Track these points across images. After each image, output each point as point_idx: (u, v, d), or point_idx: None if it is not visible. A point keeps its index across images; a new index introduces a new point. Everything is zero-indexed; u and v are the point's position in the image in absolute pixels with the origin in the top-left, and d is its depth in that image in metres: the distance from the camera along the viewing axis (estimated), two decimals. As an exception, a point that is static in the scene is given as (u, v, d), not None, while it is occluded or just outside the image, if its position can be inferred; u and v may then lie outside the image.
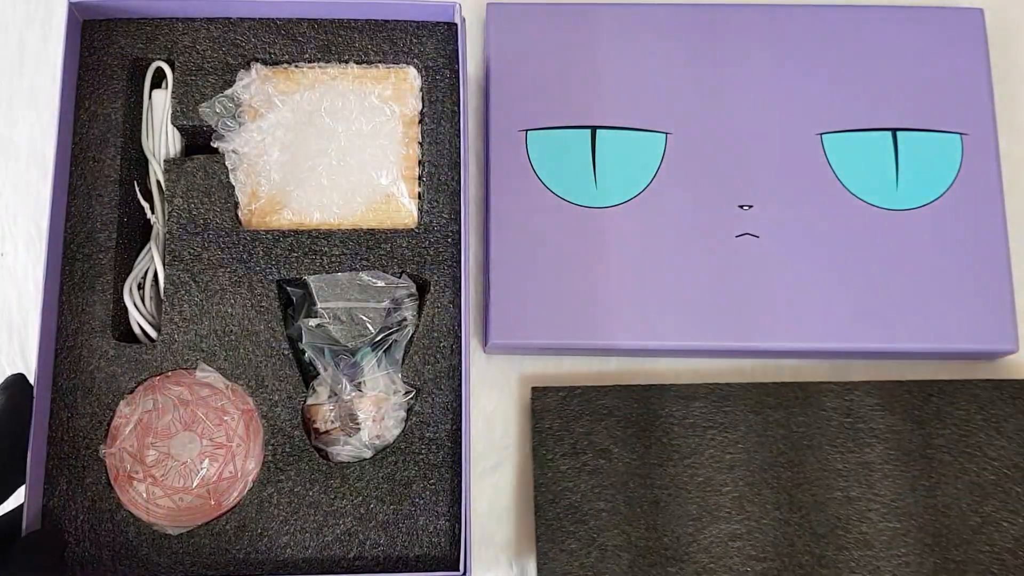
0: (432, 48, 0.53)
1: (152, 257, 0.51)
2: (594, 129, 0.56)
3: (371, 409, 0.49)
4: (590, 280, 0.54)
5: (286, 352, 0.49)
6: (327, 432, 0.49)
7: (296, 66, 0.53)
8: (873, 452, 0.52)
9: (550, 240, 0.54)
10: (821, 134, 0.56)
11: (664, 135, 0.56)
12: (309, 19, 0.53)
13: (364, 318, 0.50)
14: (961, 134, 0.57)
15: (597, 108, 0.56)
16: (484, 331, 0.54)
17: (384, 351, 0.50)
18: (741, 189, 0.56)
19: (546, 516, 0.51)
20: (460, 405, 0.49)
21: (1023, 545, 0.51)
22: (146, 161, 0.52)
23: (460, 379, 0.49)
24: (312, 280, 0.50)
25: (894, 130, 0.57)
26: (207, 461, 0.48)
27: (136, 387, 0.49)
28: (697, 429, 0.53)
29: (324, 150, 0.52)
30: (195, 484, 0.48)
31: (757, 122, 0.57)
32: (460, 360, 0.49)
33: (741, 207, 0.55)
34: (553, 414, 0.53)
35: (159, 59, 0.53)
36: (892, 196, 0.56)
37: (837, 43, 0.58)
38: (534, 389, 0.54)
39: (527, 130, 0.56)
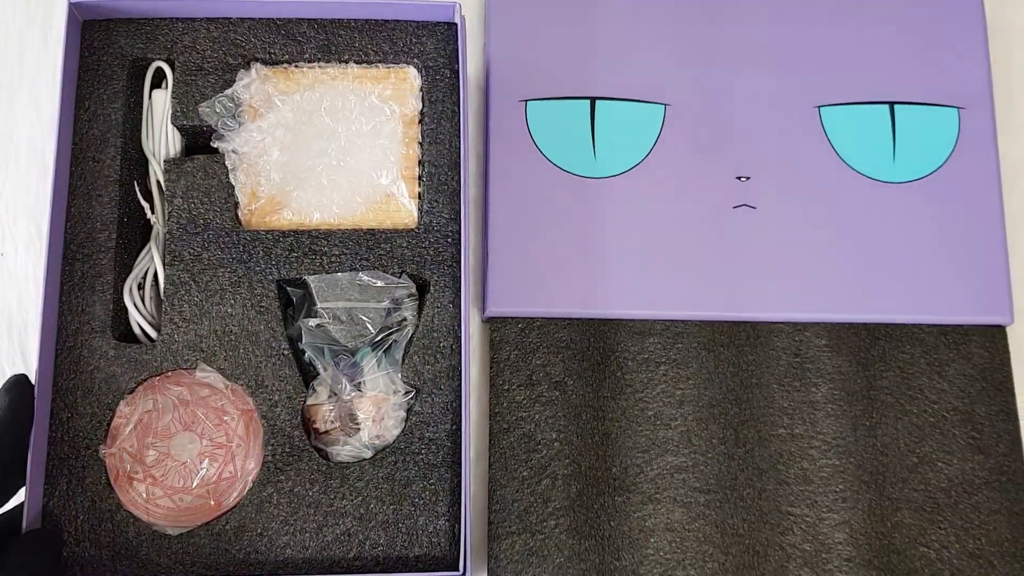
0: (432, 48, 0.53)
1: (152, 257, 0.51)
2: (593, 100, 0.56)
3: (371, 409, 0.49)
4: (588, 250, 0.54)
5: (286, 352, 0.49)
6: (327, 432, 0.49)
7: (296, 66, 0.53)
8: (818, 392, 0.53)
9: (549, 210, 0.55)
10: (819, 107, 0.57)
11: (663, 107, 0.56)
12: (309, 19, 0.53)
13: (364, 318, 0.50)
14: (958, 108, 0.57)
15: (596, 79, 0.57)
16: (482, 300, 0.54)
17: (384, 351, 0.50)
18: (739, 161, 0.56)
19: (500, 444, 0.52)
20: (460, 405, 0.49)
21: (956, 485, 0.52)
22: (146, 161, 0.52)
23: (460, 379, 0.49)
24: (312, 280, 0.50)
25: (891, 103, 0.57)
26: (207, 461, 0.48)
27: (136, 387, 0.49)
28: (650, 364, 0.53)
29: (324, 150, 0.52)
30: (195, 484, 0.48)
31: (755, 95, 0.57)
32: (460, 360, 0.49)
33: (739, 179, 0.56)
34: (511, 345, 0.53)
35: (159, 59, 0.53)
36: (889, 169, 0.56)
37: (835, 16, 0.58)
38: (492, 320, 0.54)
39: (527, 100, 0.56)
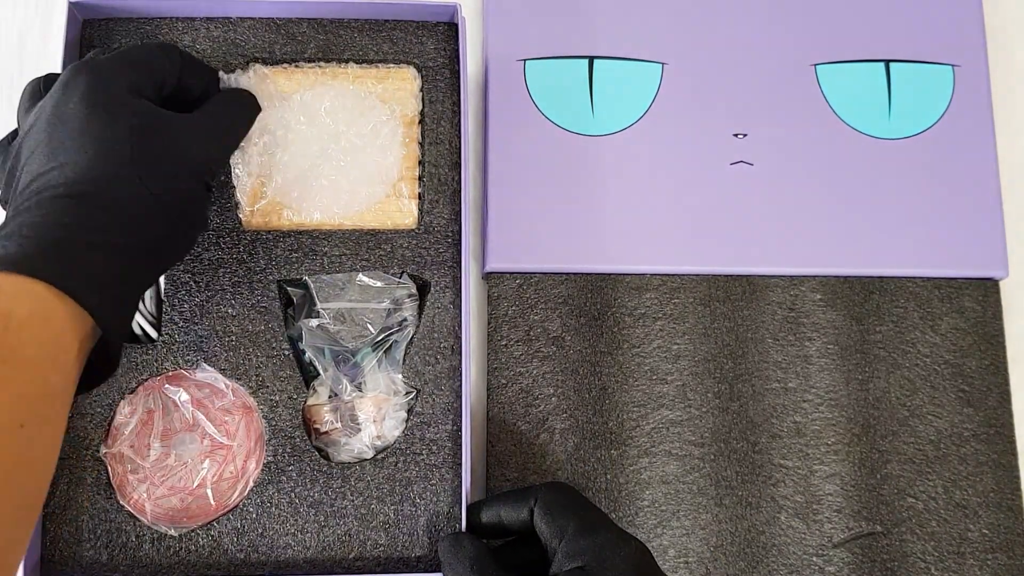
0: (432, 48, 0.53)
1: (152, 257, 0.51)
2: (591, 59, 0.57)
3: (371, 410, 0.49)
4: (586, 207, 0.55)
5: (287, 352, 0.49)
6: (328, 432, 0.49)
7: (296, 66, 0.53)
8: (812, 346, 0.54)
9: (547, 167, 0.55)
10: (815, 65, 0.57)
11: (660, 65, 0.57)
12: (309, 19, 0.53)
13: (364, 319, 0.50)
14: (953, 66, 0.58)
15: (594, 38, 0.57)
16: (482, 256, 0.54)
17: (384, 352, 0.50)
18: (736, 118, 0.57)
19: (498, 400, 0.52)
20: (460, 406, 0.49)
21: (945, 438, 0.53)
22: (146, 161, 0.52)
23: (460, 379, 0.49)
24: (312, 281, 0.50)
25: (887, 61, 0.58)
26: (208, 461, 0.48)
27: (137, 387, 0.49)
28: (647, 320, 0.54)
29: (324, 150, 0.52)
30: (196, 484, 0.48)
31: (752, 53, 0.58)
32: (460, 360, 0.49)
33: (736, 136, 0.56)
34: (509, 301, 0.54)
35: (159, 59, 0.53)
36: (884, 126, 0.57)
37: None
38: (490, 275, 0.54)
39: (525, 60, 0.56)
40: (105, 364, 0.39)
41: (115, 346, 0.38)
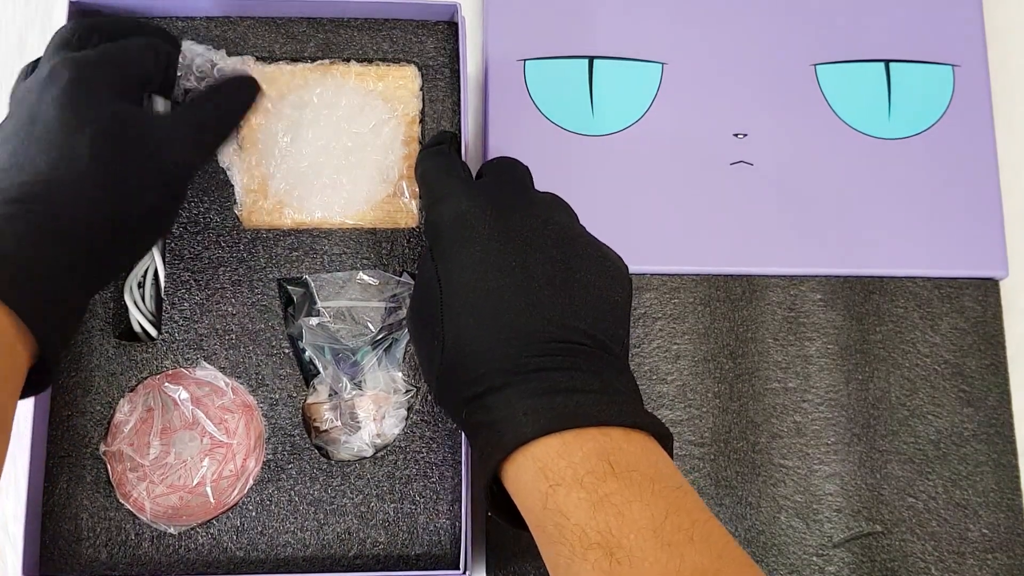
0: (432, 47, 0.53)
1: (152, 255, 0.51)
2: (591, 59, 0.57)
3: (371, 408, 0.49)
4: (586, 207, 0.54)
5: (286, 351, 0.49)
6: (327, 431, 0.49)
7: (296, 65, 0.53)
8: (812, 346, 0.54)
9: (547, 167, 0.55)
10: (815, 65, 0.58)
11: (660, 65, 0.57)
12: (309, 18, 0.53)
13: (365, 317, 0.50)
14: (953, 66, 0.58)
15: (594, 38, 0.57)
16: None
17: (384, 350, 0.50)
18: (736, 118, 0.57)
19: None
20: (460, 404, 0.49)
21: (945, 437, 0.53)
22: (146, 160, 0.52)
23: (460, 378, 0.49)
24: (313, 279, 0.50)
25: (887, 61, 0.58)
26: (207, 459, 0.48)
27: (136, 385, 0.49)
28: (647, 319, 0.54)
29: (325, 149, 0.52)
30: (195, 482, 0.48)
31: (752, 53, 0.58)
32: (460, 359, 0.49)
33: (736, 136, 0.56)
34: None
35: (159, 58, 0.53)
36: (884, 125, 0.57)
37: None
38: None
39: (525, 60, 0.57)
40: (38, 380, 0.38)
41: (53, 365, 0.37)
